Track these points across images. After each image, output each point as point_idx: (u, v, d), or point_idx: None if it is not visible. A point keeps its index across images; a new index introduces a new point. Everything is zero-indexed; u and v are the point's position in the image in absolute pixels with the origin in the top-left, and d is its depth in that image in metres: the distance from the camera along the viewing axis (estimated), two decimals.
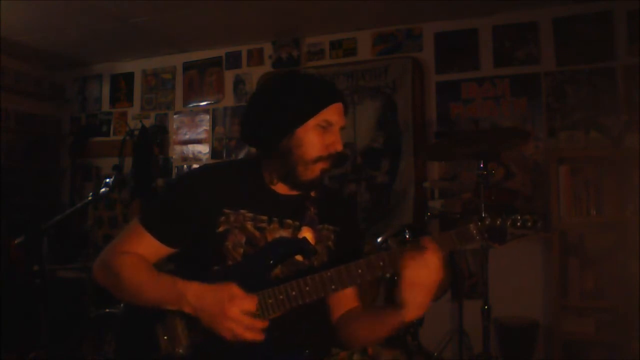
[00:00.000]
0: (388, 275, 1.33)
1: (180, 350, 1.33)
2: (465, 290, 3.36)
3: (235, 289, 1.28)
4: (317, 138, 1.38)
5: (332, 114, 1.39)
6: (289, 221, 1.45)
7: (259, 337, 1.27)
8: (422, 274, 1.22)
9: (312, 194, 1.50)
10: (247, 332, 1.25)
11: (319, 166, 1.40)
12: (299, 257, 1.43)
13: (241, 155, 4.16)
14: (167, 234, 1.41)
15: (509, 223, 1.28)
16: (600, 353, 3.01)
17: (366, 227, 3.63)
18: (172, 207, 1.43)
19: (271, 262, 1.36)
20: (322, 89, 1.41)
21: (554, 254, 3.09)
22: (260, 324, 1.27)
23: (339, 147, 1.40)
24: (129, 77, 4.69)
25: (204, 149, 4.37)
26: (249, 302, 1.27)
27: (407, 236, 2.65)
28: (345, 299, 1.49)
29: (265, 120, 1.41)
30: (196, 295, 1.28)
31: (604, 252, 3.10)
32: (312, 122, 1.37)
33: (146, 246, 1.40)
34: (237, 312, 1.25)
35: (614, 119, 3.26)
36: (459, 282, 3.23)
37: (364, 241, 1.69)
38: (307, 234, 1.43)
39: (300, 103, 1.38)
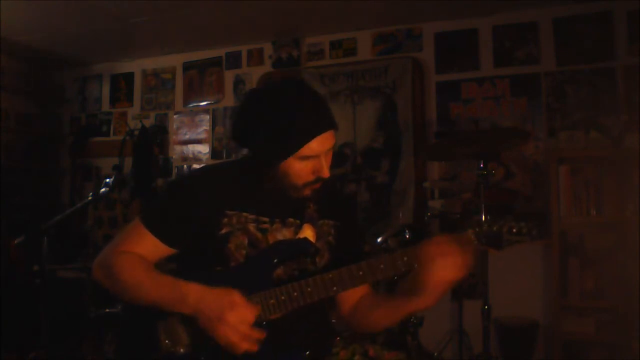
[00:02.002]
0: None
1: (181, 350, 1.33)
2: (465, 290, 3.35)
3: (237, 297, 1.27)
4: (301, 168, 1.35)
5: (314, 147, 1.33)
6: (291, 220, 1.45)
7: (253, 348, 1.26)
8: (449, 267, 1.27)
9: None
10: (243, 341, 1.25)
11: (309, 189, 1.40)
12: (301, 258, 1.43)
13: (241, 155, 4.16)
14: (168, 234, 1.41)
15: (505, 230, 1.30)
16: (600, 353, 3.01)
17: (366, 227, 3.63)
18: (173, 208, 1.43)
19: (274, 262, 1.37)
20: (300, 125, 1.31)
21: (554, 254, 3.09)
22: (257, 334, 1.27)
23: (325, 174, 1.37)
24: (129, 77, 4.69)
25: (204, 149, 4.37)
26: (250, 312, 1.27)
27: (407, 236, 2.65)
28: (357, 289, 1.49)
29: (251, 147, 1.42)
30: (197, 296, 1.28)
31: (604, 252, 3.10)
32: (291, 158, 1.34)
33: (147, 246, 1.40)
34: (236, 320, 1.25)
35: (614, 119, 3.26)
36: (459, 282, 3.23)
37: (363, 236, 1.70)
38: (308, 231, 1.44)
39: (277, 141, 1.33)
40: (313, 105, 1.36)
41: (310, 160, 1.35)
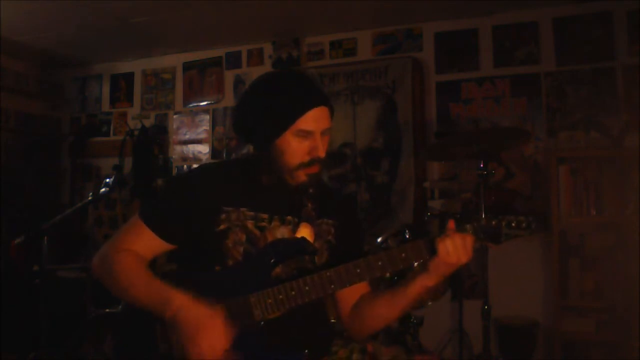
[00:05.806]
0: (387, 274, 1.34)
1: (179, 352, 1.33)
2: (465, 290, 3.35)
3: (217, 321, 1.27)
4: (297, 146, 1.37)
5: (308, 122, 1.35)
6: (289, 218, 1.45)
7: None
8: (456, 251, 1.27)
9: (310, 189, 1.49)
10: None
11: (303, 172, 1.40)
12: (299, 256, 1.43)
13: (241, 155, 4.16)
14: (165, 230, 1.41)
15: (503, 224, 1.31)
16: (600, 353, 3.01)
17: (366, 227, 3.63)
18: (171, 204, 1.44)
19: (272, 262, 1.36)
20: (295, 98, 1.36)
21: (554, 254, 3.09)
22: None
23: (321, 154, 1.39)
24: (129, 77, 4.69)
25: (204, 149, 4.37)
26: (223, 340, 1.26)
27: (407, 236, 2.65)
28: (356, 287, 1.48)
29: (248, 129, 1.43)
30: (180, 304, 1.28)
31: (604, 252, 3.10)
32: (288, 133, 1.36)
33: (145, 242, 1.41)
34: (207, 345, 1.25)
35: (614, 119, 3.25)
36: (459, 282, 3.23)
37: (364, 236, 1.70)
38: (305, 229, 1.43)
39: (274, 115, 1.36)
40: (305, 82, 1.42)
41: (307, 138, 1.37)
